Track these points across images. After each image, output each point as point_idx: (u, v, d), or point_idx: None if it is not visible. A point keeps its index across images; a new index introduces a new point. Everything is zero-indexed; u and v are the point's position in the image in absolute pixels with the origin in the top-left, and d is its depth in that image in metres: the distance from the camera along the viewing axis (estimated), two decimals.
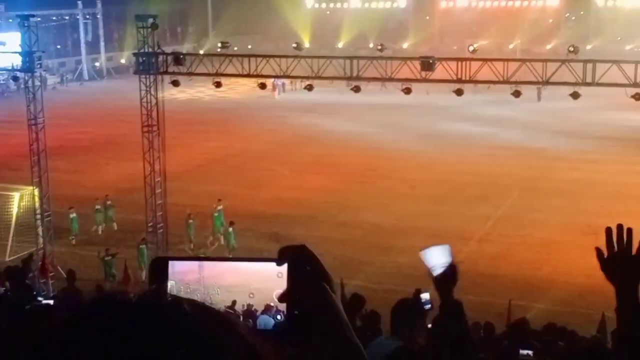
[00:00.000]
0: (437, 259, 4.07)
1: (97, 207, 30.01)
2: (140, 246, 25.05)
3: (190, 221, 27.74)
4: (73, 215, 28.65)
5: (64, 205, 28.55)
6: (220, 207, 28.86)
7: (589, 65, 23.23)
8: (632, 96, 24.14)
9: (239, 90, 62.41)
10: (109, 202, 30.31)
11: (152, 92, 24.94)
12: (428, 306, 6.71)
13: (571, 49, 23.93)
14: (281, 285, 1.60)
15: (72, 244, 28.33)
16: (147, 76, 25.08)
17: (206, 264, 1.65)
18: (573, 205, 31.25)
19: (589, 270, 24.56)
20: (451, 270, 4.00)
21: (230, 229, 27.07)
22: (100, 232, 29.76)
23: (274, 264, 1.60)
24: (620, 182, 34.26)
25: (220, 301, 1.61)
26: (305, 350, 1.58)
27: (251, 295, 1.63)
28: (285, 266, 1.59)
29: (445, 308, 4.12)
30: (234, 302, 1.65)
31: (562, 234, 27.93)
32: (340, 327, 1.58)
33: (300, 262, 1.59)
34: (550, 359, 13.20)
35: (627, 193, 32.59)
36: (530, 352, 13.07)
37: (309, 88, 28.13)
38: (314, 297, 1.57)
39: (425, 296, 6.63)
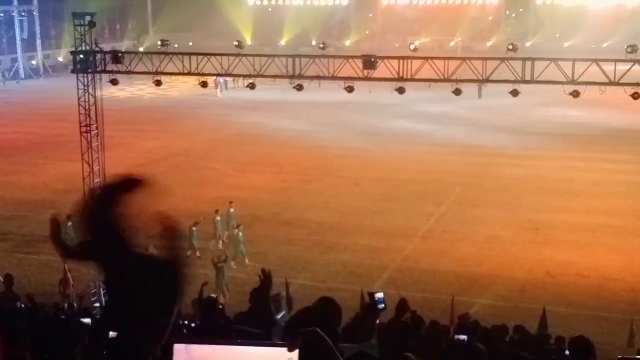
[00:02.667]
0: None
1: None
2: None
3: (69, 224, 26.32)
4: (70, 224, 26.77)
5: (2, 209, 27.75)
6: (232, 211, 28.03)
7: (528, 64, 23.58)
8: (571, 93, 24.59)
9: (180, 88, 61.78)
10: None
11: (91, 91, 24.42)
12: (382, 306, 6.61)
13: (510, 47, 24.24)
14: None
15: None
16: (85, 75, 24.55)
17: (216, 349, 1.60)
18: (514, 201, 31.73)
19: (530, 265, 25.00)
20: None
21: (240, 234, 25.78)
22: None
23: (285, 349, 1.56)
24: (559, 178, 34.93)
25: None
26: None
27: None
28: (296, 352, 1.55)
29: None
30: None
31: (504, 229, 28.32)
32: None
33: (312, 348, 1.56)
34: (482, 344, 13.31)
35: (566, 188, 33.25)
36: (465, 337, 13.20)
37: (252, 86, 27.92)
38: None
39: (379, 296, 6.54)
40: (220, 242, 27.06)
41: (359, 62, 24.88)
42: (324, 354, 1.55)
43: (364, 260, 25.37)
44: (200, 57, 25.91)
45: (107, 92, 28.60)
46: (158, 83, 27.61)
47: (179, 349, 1.60)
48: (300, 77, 25.42)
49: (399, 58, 24.86)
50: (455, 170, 36.70)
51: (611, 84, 23.28)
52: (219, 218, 27.25)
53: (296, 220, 29.89)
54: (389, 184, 34.73)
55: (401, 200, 32.09)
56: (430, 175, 35.89)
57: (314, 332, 1.56)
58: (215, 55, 26.04)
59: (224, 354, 1.57)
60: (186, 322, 19.50)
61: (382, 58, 24.76)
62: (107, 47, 30.01)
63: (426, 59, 24.84)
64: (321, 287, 22.07)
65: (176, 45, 44.47)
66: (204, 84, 27.89)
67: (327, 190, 33.93)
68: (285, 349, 1.54)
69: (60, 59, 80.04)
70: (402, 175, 36.01)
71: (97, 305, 22.81)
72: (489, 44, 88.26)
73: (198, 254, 26.02)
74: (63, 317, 17.66)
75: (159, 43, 27.64)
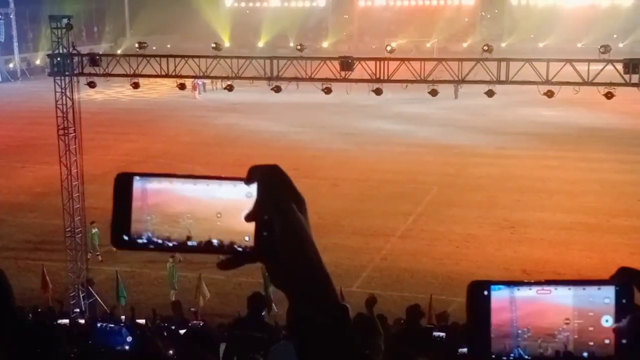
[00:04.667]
0: None
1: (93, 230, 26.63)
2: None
3: (94, 230, 25.85)
4: (95, 230, 25.97)
5: None
6: None
7: (503, 64, 23.91)
8: (545, 93, 24.96)
9: (158, 90, 61.63)
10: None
11: (68, 94, 24.38)
12: None
13: (485, 48, 24.57)
14: (250, 205, 1.54)
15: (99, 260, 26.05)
16: (62, 78, 24.50)
17: (171, 186, 1.58)
18: (490, 200, 32.09)
19: (506, 263, 25.34)
20: None
21: None
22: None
23: (242, 183, 1.55)
24: (534, 177, 35.37)
25: (183, 227, 1.56)
26: (272, 271, 1.55)
27: (219, 216, 1.55)
28: (254, 186, 1.54)
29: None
30: (188, 238, 1.57)
31: (480, 228, 28.66)
32: (306, 248, 1.54)
33: (270, 180, 1.54)
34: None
35: (541, 187, 33.68)
36: (442, 334, 13.41)
37: (229, 88, 28.03)
38: (282, 217, 1.53)
39: None
40: None
41: (336, 64, 25.09)
42: (283, 186, 1.55)
43: (343, 260, 25.54)
44: (178, 59, 25.99)
45: (85, 95, 28.58)
46: (135, 85, 27.65)
47: (137, 181, 1.61)
48: (278, 78, 25.58)
49: (375, 59, 25.11)
50: (432, 170, 37.03)
51: (584, 83, 23.67)
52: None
53: None
54: (366, 184, 34.97)
55: (379, 200, 32.33)
56: (408, 175, 36.17)
57: (273, 166, 1.56)
58: (192, 57, 26.13)
59: (181, 188, 1.57)
60: (166, 324, 19.65)
61: (359, 59, 25.00)
62: (84, 49, 29.92)
63: (402, 60, 25.12)
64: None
65: (154, 48, 44.38)
66: (182, 86, 27.97)
67: (305, 190, 32.66)
68: (242, 183, 1.55)
69: (38, 62, 79.52)
70: (380, 175, 36.26)
71: (77, 310, 22.81)
72: (465, 44, 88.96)
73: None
74: (42, 320, 17.69)
75: (136, 45, 27.66)
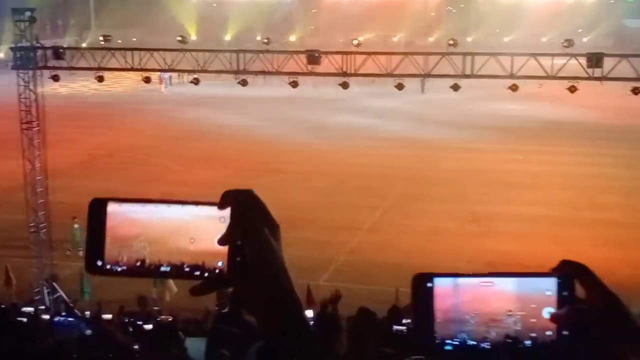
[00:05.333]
0: None
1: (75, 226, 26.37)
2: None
3: (76, 226, 25.52)
4: (77, 226, 25.49)
5: None
6: None
7: (468, 58, 24.09)
8: (509, 87, 25.21)
9: (124, 84, 61.06)
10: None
11: (31, 88, 24.06)
12: None
13: (451, 42, 24.78)
14: (223, 230, 1.54)
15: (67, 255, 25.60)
16: (26, 71, 24.18)
17: (147, 207, 1.59)
18: (456, 194, 32.32)
19: (472, 256, 25.54)
20: None
21: None
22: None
23: (215, 207, 1.55)
24: (500, 170, 35.70)
25: (157, 251, 1.57)
26: (243, 295, 1.55)
27: (192, 241, 1.55)
28: (228, 210, 1.54)
29: None
30: (160, 262, 1.57)
31: (446, 221, 28.86)
32: (277, 274, 1.54)
33: (244, 205, 1.54)
34: None
35: (506, 180, 34.01)
36: (404, 328, 13.48)
37: (195, 82, 27.87)
38: (254, 242, 1.53)
39: None
40: None
41: (303, 57, 25.08)
42: (257, 212, 1.54)
43: (311, 254, 25.54)
44: (143, 53, 25.79)
45: (49, 89, 28.18)
46: (100, 79, 27.38)
47: (111, 206, 1.60)
48: (244, 72, 25.50)
49: (342, 53, 25.15)
50: (399, 163, 37.20)
51: (548, 77, 23.95)
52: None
53: None
54: (334, 178, 35.02)
55: (346, 194, 32.41)
56: (375, 169, 36.29)
57: (247, 191, 1.55)
58: (158, 50, 25.95)
59: (154, 213, 1.57)
60: (131, 320, 19.52)
61: (326, 53, 25.02)
62: (48, 42, 29.49)
63: (369, 54, 25.19)
64: None
65: (119, 41, 43.90)
66: (147, 80, 27.75)
67: (273, 185, 33.99)
68: (215, 207, 1.55)
69: (1, 55, 78.19)
70: (348, 169, 36.34)
71: (43, 307, 22.54)
72: (431, 39, 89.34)
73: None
74: (5, 316, 17.51)
75: (101, 38, 27.39)
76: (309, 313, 12.66)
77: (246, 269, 1.53)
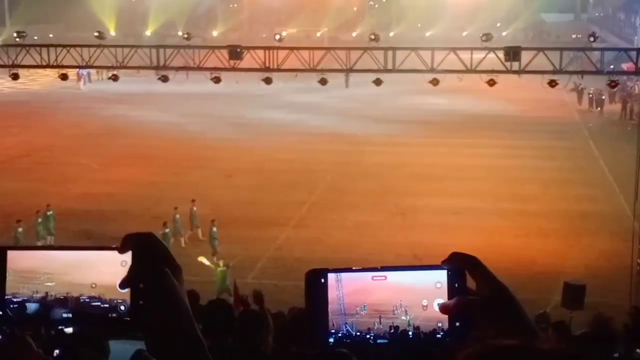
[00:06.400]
0: None
1: (39, 219, 26.07)
2: None
3: (20, 229, 24.83)
4: (20, 229, 24.82)
5: None
6: (194, 209, 27.38)
7: (390, 53, 24.25)
8: (430, 81, 25.49)
9: (40, 81, 59.37)
10: (49, 213, 26.35)
11: None
12: None
13: (372, 37, 24.86)
14: (125, 273, 1.54)
15: None
16: None
17: (47, 254, 1.55)
18: (382, 187, 32.54)
19: (398, 248, 25.74)
20: None
21: (214, 229, 25.35)
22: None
23: (116, 252, 1.53)
24: (424, 163, 36.12)
25: (56, 298, 1.54)
26: (146, 339, 1.52)
27: (93, 286, 1.53)
28: (129, 254, 1.53)
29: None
30: (64, 309, 1.55)
31: (373, 215, 29.02)
32: (180, 317, 1.51)
33: (145, 249, 1.52)
34: None
35: (431, 173, 34.42)
36: None
37: (114, 78, 27.27)
38: (155, 284, 1.51)
39: None
40: (183, 241, 26.37)
41: (225, 53, 24.81)
42: (158, 254, 1.53)
43: (238, 251, 25.33)
44: (60, 49, 25.09)
45: None
46: (15, 76, 26.50)
47: (13, 253, 1.56)
48: (165, 67, 25.08)
49: (264, 48, 24.98)
50: (325, 158, 37.23)
51: (468, 71, 24.33)
52: (178, 216, 26.55)
53: (167, 214, 29.35)
54: (260, 174, 34.78)
55: (273, 190, 32.23)
56: (301, 164, 36.23)
57: (148, 234, 1.53)
58: (74, 46, 25.28)
59: (56, 259, 1.54)
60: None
61: (247, 48, 24.81)
62: None
63: (291, 49, 25.08)
64: (194, 281, 21.82)
65: (35, 37, 42.61)
66: (64, 77, 27.05)
67: (198, 182, 33.60)
68: (116, 252, 1.53)
69: None
70: (273, 165, 36.16)
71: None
72: (354, 33, 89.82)
73: None
74: None
75: (15, 35, 26.47)
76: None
77: (149, 312, 1.51)
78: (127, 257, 1.53)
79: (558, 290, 20.17)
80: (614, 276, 22.71)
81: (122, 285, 1.52)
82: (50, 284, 1.54)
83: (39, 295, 1.54)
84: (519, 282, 18.16)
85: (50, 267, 1.54)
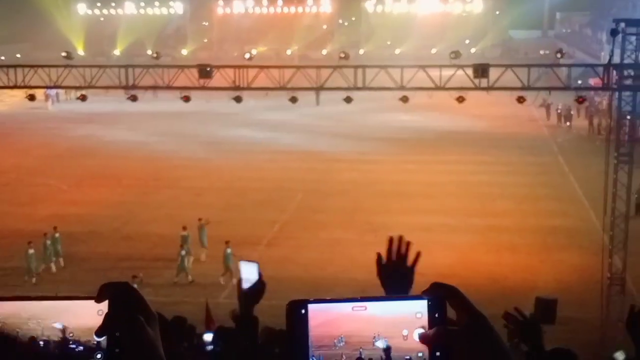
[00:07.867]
0: (249, 273, 4.18)
1: (48, 242, 25.77)
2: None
3: (31, 251, 24.61)
4: (31, 251, 24.60)
5: None
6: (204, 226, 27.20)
7: (360, 71, 24.28)
8: (400, 98, 25.57)
9: (7, 102, 58.70)
10: (57, 235, 26.19)
11: None
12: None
13: (342, 55, 24.91)
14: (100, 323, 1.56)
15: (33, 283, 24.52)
16: None
17: (23, 304, 1.57)
18: (353, 205, 32.52)
19: (370, 266, 25.33)
20: (260, 287, 4.13)
21: (229, 250, 25.01)
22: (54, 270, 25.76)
23: (92, 301, 1.56)
24: (395, 181, 36.18)
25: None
26: None
27: (71, 335, 1.56)
28: (106, 303, 1.55)
29: (242, 321, 4.23)
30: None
31: (344, 232, 28.96)
32: None
33: (121, 298, 1.55)
34: None
35: (401, 190, 34.47)
36: None
37: (83, 98, 27.01)
38: (129, 331, 1.52)
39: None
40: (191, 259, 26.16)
41: (195, 72, 24.68)
42: (133, 303, 1.55)
43: (209, 271, 25.14)
44: (27, 69, 24.77)
45: None
46: None
47: None
48: (134, 87, 24.87)
49: (234, 67, 24.88)
50: (297, 176, 37.15)
51: (437, 88, 24.43)
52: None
53: (137, 234, 29.13)
54: (231, 193, 34.60)
55: (244, 209, 32.06)
56: (272, 182, 36.11)
57: (123, 284, 1.56)
58: (42, 66, 24.99)
59: (29, 309, 1.56)
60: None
61: (217, 67, 24.71)
62: None
63: (261, 67, 25.01)
64: (166, 302, 21.58)
65: (2, 57, 42.21)
66: (32, 97, 26.70)
67: (167, 201, 33.34)
68: (92, 301, 1.55)
69: None
70: (244, 183, 36.00)
71: None
72: (324, 51, 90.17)
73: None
74: None
75: None
76: (208, 337, 12.29)
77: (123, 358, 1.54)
78: (104, 306, 1.56)
79: (530, 305, 20.22)
80: (585, 290, 22.86)
81: (98, 333, 1.54)
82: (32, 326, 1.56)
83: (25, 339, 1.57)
84: (490, 297, 18.20)
85: (29, 314, 1.56)
